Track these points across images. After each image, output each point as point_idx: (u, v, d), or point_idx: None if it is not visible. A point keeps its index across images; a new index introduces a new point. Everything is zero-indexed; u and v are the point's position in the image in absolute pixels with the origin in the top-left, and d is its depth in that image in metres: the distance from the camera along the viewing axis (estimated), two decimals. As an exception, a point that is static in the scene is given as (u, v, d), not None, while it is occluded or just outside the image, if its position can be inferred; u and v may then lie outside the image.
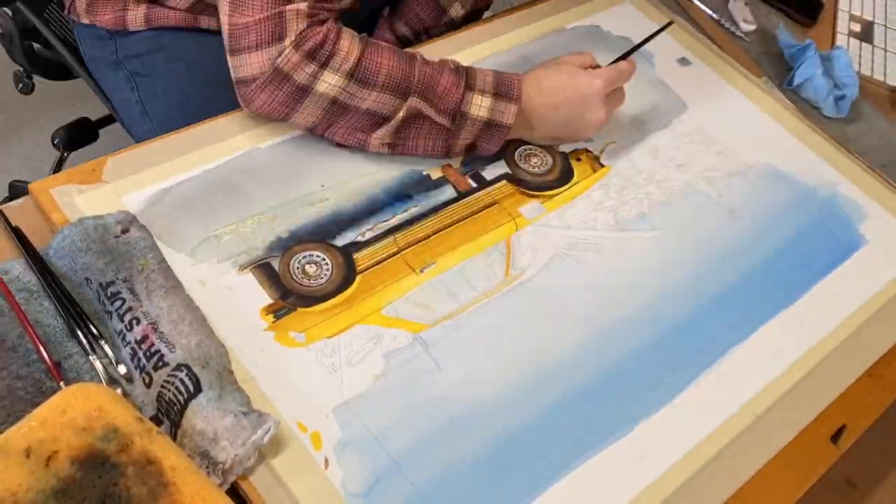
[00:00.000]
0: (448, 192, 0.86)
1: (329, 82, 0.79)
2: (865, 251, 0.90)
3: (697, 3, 1.18)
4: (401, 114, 0.82)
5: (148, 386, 0.66)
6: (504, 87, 0.85)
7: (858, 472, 0.78)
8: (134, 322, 0.68)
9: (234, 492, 0.63)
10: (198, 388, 0.64)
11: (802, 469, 0.74)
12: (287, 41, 0.77)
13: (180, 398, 0.64)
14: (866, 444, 0.78)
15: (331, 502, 0.64)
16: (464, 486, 0.67)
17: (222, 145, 0.84)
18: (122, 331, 0.68)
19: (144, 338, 0.67)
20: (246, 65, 0.79)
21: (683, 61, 1.06)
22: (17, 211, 0.75)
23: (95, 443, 0.56)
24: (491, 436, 0.70)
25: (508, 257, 0.82)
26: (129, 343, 0.67)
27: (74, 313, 0.68)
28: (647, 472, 0.70)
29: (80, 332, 0.67)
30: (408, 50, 0.87)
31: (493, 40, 1.02)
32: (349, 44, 0.80)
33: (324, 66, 0.79)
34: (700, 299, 0.82)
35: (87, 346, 0.66)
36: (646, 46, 1.05)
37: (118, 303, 0.69)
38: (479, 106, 0.84)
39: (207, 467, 0.61)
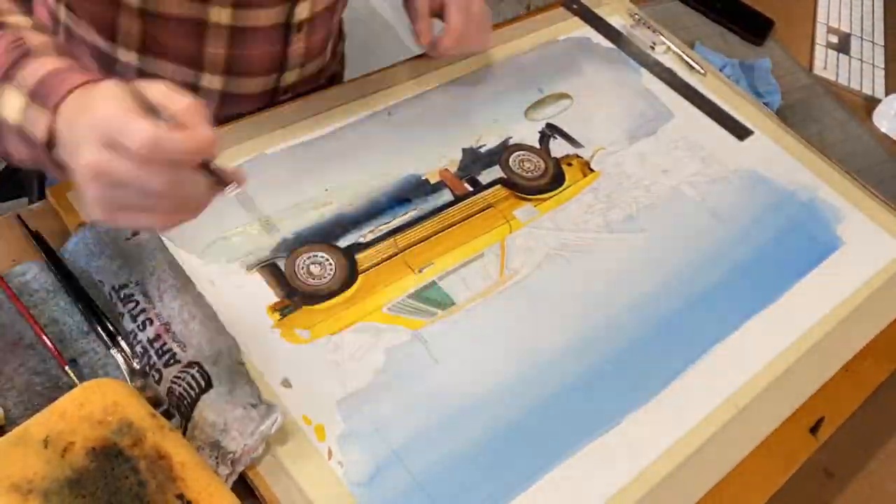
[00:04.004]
0: (445, 196, 0.86)
1: None
2: (843, 252, 0.90)
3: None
4: None
5: (158, 382, 0.66)
6: (45, 90, 0.56)
7: (836, 463, 0.78)
8: (147, 322, 0.68)
9: (241, 481, 0.63)
10: (209, 385, 0.64)
11: (783, 459, 0.74)
12: None
13: (191, 392, 0.64)
14: (844, 435, 0.78)
15: (334, 491, 0.64)
16: (460, 476, 0.67)
17: (230, 151, 0.84)
18: (133, 331, 0.68)
19: (157, 337, 0.67)
20: None
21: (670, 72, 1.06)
22: (33, 214, 0.75)
23: (110, 436, 0.56)
24: (487, 428, 0.70)
25: (503, 258, 0.82)
26: (139, 342, 0.67)
27: (94, 310, 0.68)
28: (634, 462, 0.70)
29: (99, 328, 0.67)
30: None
31: (491, 50, 1.02)
32: None
33: None
34: (685, 298, 0.82)
35: (108, 341, 0.66)
36: (636, 57, 1.06)
37: (131, 304, 0.69)
38: (11, 106, 0.58)
39: (217, 458, 0.61)
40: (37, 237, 0.72)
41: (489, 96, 0.97)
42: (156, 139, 0.50)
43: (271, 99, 0.94)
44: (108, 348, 0.66)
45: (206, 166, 0.54)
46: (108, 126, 0.51)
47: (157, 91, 0.53)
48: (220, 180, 0.55)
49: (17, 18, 0.63)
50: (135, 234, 0.73)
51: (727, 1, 1.23)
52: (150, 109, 0.52)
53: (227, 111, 0.90)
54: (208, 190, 0.55)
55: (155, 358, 0.66)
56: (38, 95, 0.57)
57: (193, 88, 0.87)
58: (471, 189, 0.87)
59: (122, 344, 0.67)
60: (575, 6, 1.11)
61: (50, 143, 0.57)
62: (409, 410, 0.70)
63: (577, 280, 0.82)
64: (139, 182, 0.51)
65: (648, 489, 0.69)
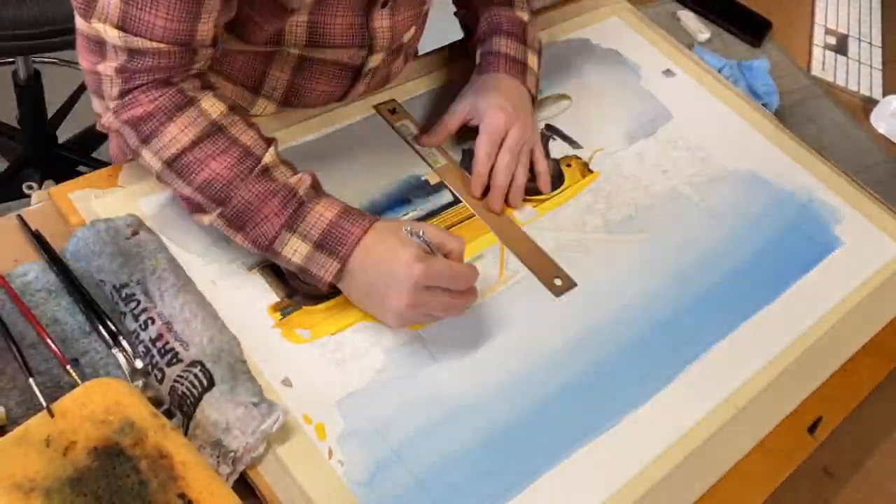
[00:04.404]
0: (445, 197, 0.86)
1: (148, 160, 0.72)
2: (841, 252, 0.90)
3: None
4: (210, 221, 0.72)
5: (160, 381, 0.66)
6: (332, 240, 0.70)
7: (834, 462, 0.78)
8: (149, 322, 0.68)
9: (242, 480, 0.63)
10: (211, 383, 0.64)
11: (781, 458, 0.74)
12: (110, 103, 0.71)
13: (194, 391, 0.64)
14: (843, 435, 0.78)
15: (334, 490, 0.64)
16: (459, 475, 0.67)
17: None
18: (135, 330, 0.68)
19: (159, 336, 0.67)
20: (93, 105, 0.74)
21: (668, 73, 1.06)
22: (35, 215, 0.75)
23: (112, 435, 0.56)
24: (486, 427, 0.70)
25: (502, 259, 0.82)
26: (142, 342, 0.67)
27: (96, 310, 0.68)
28: (634, 461, 0.70)
29: (101, 328, 0.67)
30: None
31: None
32: (179, 131, 0.70)
33: (144, 141, 0.71)
34: (684, 298, 0.83)
35: (110, 340, 0.66)
36: (632, 59, 1.06)
37: (133, 304, 0.69)
38: (295, 251, 0.70)
39: (218, 457, 0.61)
40: (38, 237, 0.72)
41: (489, 97, 0.97)
42: (463, 276, 0.71)
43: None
44: (110, 348, 0.66)
45: None
46: (413, 279, 0.68)
47: (431, 232, 0.71)
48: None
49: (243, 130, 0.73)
50: (135, 233, 0.73)
51: (725, 2, 1.23)
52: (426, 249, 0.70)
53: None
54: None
55: (158, 357, 0.66)
56: (324, 245, 0.70)
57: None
58: (470, 190, 0.87)
59: (124, 343, 0.67)
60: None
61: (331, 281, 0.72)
62: (409, 410, 0.70)
63: (577, 280, 0.82)
64: (434, 308, 0.71)
65: (647, 489, 0.69)
